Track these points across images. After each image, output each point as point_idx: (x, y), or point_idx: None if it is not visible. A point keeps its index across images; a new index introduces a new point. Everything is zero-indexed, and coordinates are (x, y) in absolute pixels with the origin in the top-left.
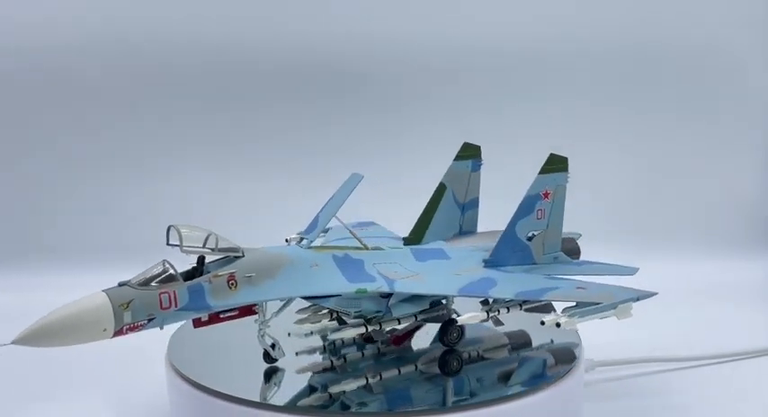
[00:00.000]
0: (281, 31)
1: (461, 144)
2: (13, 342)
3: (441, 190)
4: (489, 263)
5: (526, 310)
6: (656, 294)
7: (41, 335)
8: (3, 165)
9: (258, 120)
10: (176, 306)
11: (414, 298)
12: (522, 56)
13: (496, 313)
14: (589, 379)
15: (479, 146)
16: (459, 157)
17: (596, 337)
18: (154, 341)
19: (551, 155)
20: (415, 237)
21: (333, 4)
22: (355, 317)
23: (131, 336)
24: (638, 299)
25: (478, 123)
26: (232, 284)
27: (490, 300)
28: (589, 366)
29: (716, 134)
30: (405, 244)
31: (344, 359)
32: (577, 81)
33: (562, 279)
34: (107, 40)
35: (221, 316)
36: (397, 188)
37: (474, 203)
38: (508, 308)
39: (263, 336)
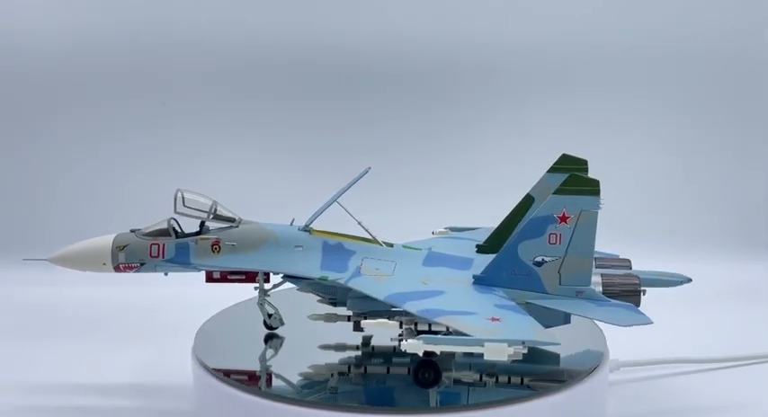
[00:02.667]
0: (312, 28)
1: (560, 155)
2: (47, 260)
3: (527, 201)
4: (479, 280)
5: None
6: (558, 344)
7: (63, 259)
8: (22, 163)
9: (281, 117)
10: (163, 257)
11: (368, 298)
12: (542, 57)
13: (411, 326)
14: (614, 379)
15: (585, 160)
16: (555, 169)
17: (622, 337)
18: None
19: (572, 175)
20: (491, 246)
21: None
22: (330, 303)
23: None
24: (523, 344)
25: (498, 124)
26: (216, 248)
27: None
28: (614, 366)
29: (731, 132)
30: (478, 252)
31: (373, 348)
32: (595, 81)
33: (505, 308)
34: (111, 35)
35: (229, 278)
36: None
37: None
38: (430, 325)
39: (261, 304)
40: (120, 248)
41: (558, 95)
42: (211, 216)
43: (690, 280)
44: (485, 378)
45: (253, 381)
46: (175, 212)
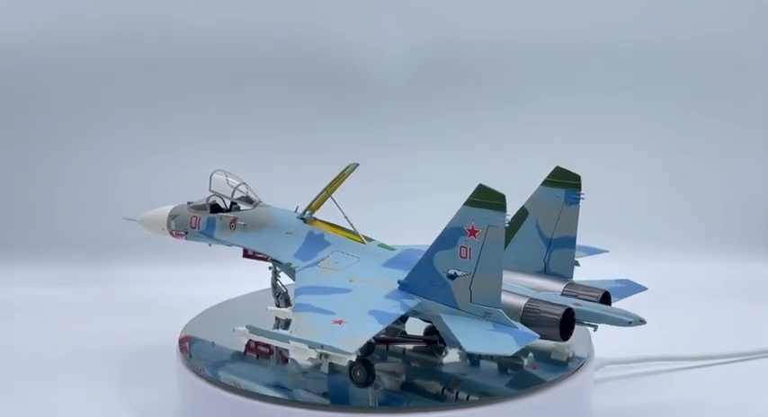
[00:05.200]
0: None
1: (554, 167)
2: (137, 220)
3: (521, 215)
4: (402, 286)
5: None
6: (349, 353)
7: (143, 220)
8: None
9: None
10: (198, 229)
11: None
12: (541, 56)
13: None
14: (599, 377)
15: (578, 176)
16: (548, 183)
17: (607, 335)
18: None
19: (480, 185)
20: None
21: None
22: None
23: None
24: (322, 347)
25: (498, 124)
26: (233, 226)
27: None
28: (599, 364)
29: (729, 133)
30: None
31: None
32: (594, 81)
33: (374, 314)
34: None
35: (257, 256)
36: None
37: (566, 242)
38: None
39: (274, 286)
40: (172, 217)
41: (557, 95)
42: (237, 195)
43: (643, 322)
44: (446, 392)
45: (266, 354)
46: (210, 190)
